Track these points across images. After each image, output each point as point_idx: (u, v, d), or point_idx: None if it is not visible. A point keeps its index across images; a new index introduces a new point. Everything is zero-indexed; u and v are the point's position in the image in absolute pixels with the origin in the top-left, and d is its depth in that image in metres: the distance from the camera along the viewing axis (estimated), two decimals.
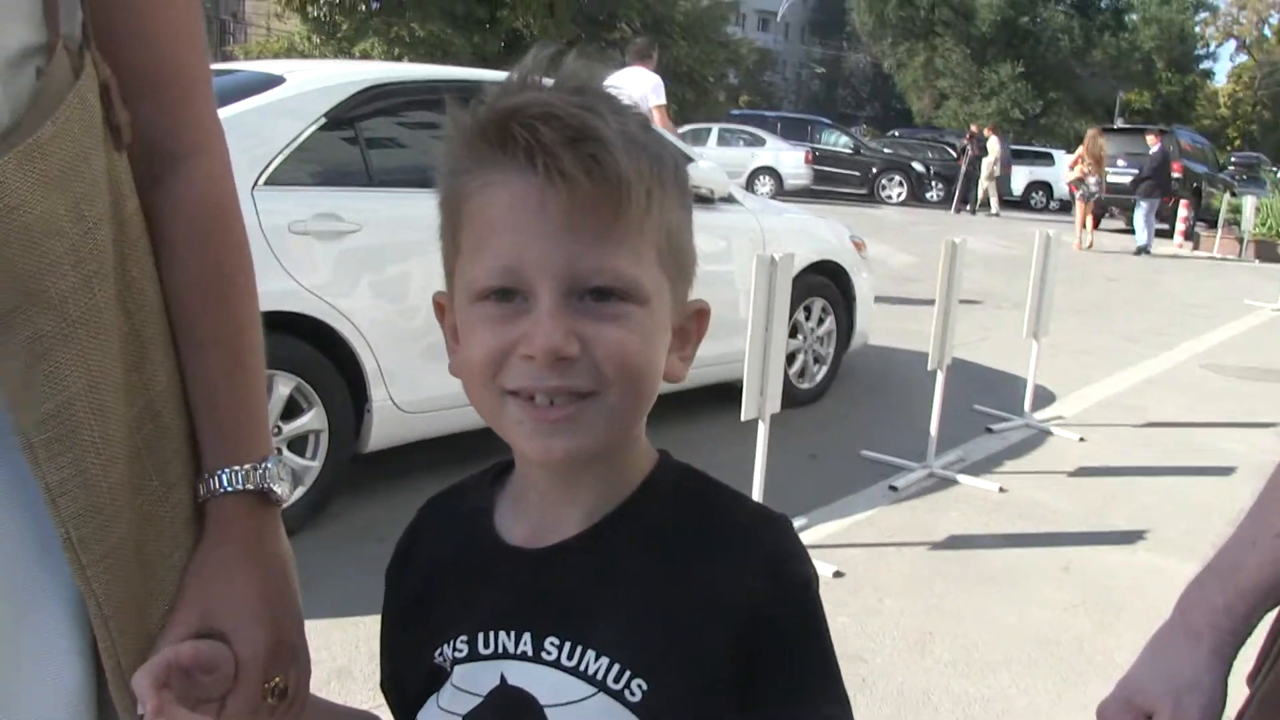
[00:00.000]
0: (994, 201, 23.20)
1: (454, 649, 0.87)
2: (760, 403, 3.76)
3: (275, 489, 0.95)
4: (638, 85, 8.38)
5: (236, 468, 0.94)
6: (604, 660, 0.82)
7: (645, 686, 0.81)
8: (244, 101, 3.86)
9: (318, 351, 3.83)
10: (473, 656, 0.86)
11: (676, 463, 0.91)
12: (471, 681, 0.86)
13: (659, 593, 0.83)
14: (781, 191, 23.92)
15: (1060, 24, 44.45)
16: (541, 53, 0.81)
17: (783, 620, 0.82)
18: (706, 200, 5.44)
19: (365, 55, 24.56)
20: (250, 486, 0.94)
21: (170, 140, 0.94)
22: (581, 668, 0.82)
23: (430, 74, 4.91)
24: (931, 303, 4.98)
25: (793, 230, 6.06)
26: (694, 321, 0.89)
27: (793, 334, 5.80)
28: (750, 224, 5.69)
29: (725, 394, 5.09)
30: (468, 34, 25.85)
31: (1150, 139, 18.57)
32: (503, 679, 0.85)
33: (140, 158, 0.92)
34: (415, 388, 4.03)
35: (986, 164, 23.03)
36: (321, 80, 4.20)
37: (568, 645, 0.83)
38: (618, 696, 0.81)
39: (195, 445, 0.95)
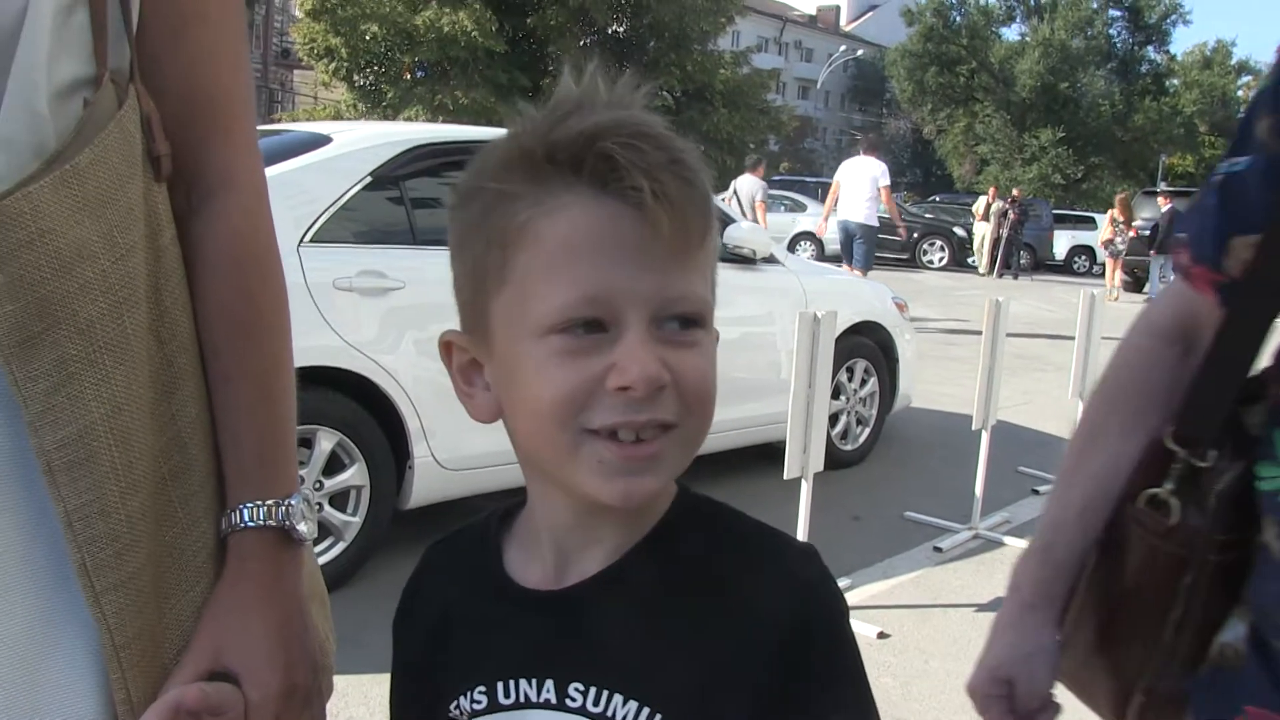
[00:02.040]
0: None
1: (471, 701, 0.83)
2: (804, 461, 3.72)
3: (298, 527, 0.94)
4: (866, 170, 11.35)
5: (259, 503, 0.93)
6: (632, 705, 0.78)
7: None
8: (291, 160, 3.91)
9: (361, 408, 3.84)
10: (492, 708, 0.83)
11: (698, 494, 0.87)
12: None
13: (686, 627, 0.79)
14: (822, 256, 23.93)
15: (1100, 89, 44.56)
16: (576, 76, 0.78)
17: (819, 644, 0.79)
18: (749, 261, 5.44)
19: (410, 122, 24.99)
20: (272, 523, 0.93)
21: (208, 173, 0.95)
22: (609, 714, 0.79)
23: (474, 135, 4.97)
24: (974, 365, 4.95)
25: (835, 291, 6.05)
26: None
27: (835, 395, 5.76)
28: (792, 284, 5.68)
29: (768, 454, 5.06)
30: (511, 102, 26.12)
31: (1161, 201, 19.70)
32: None
33: (179, 189, 0.94)
34: (457, 445, 4.03)
35: (990, 226, 23.12)
36: (367, 140, 4.26)
37: (593, 691, 0.79)
38: None
39: (221, 481, 0.94)
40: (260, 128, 1.04)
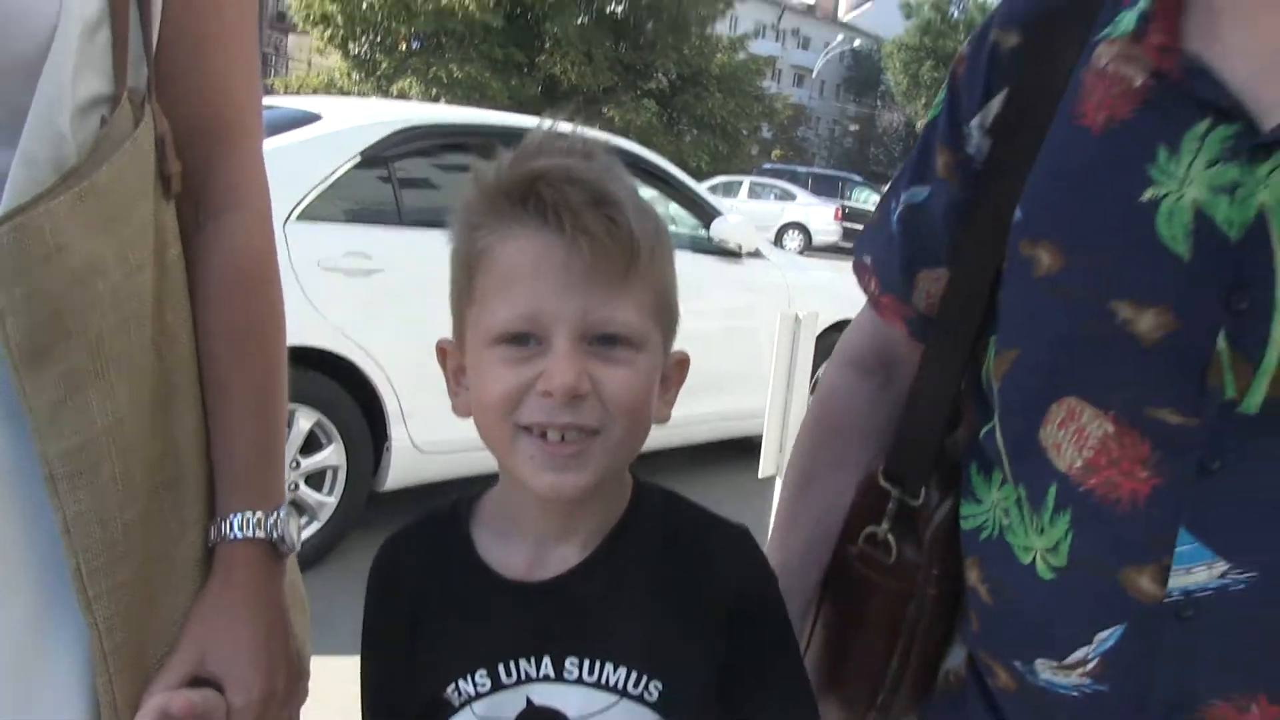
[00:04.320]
0: None
1: (474, 684, 0.92)
2: (779, 459, 3.74)
3: (285, 539, 0.98)
4: None
5: (249, 514, 0.95)
6: (622, 670, 0.91)
7: (662, 686, 0.90)
8: (280, 137, 3.90)
9: (341, 388, 3.85)
10: (496, 688, 0.92)
11: (653, 485, 0.99)
12: (496, 709, 0.92)
13: (663, 599, 0.92)
14: (810, 247, 23.97)
15: None
16: (549, 122, 0.91)
17: (768, 601, 0.97)
18: (733, 255, 5.45)
19: (403, 94, 24.84)
20: (261, 534, 0.96)
21: (216, 191, 0.98)
22: (603, 680, 0.91)
23: (465, 117, 4.96)
24: None
25: (819, 287, 6.06)
26: (676, 370, 0.97)
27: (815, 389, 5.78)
28: (776, 279, 5.70)
29: (746, 450, 5.08)
30: (505, 78, 26.12)
31: None
32: (529, 702, 0.92)
33: (185, 205, 0.96)
34: (435, 429, 4.03)
35: None
36: (357, 119, 4.25)
37: (587, 662, 0.91)
38: (638, 699, 0.90)
39: (211, 490, 0.96)
40: None
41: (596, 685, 0.91)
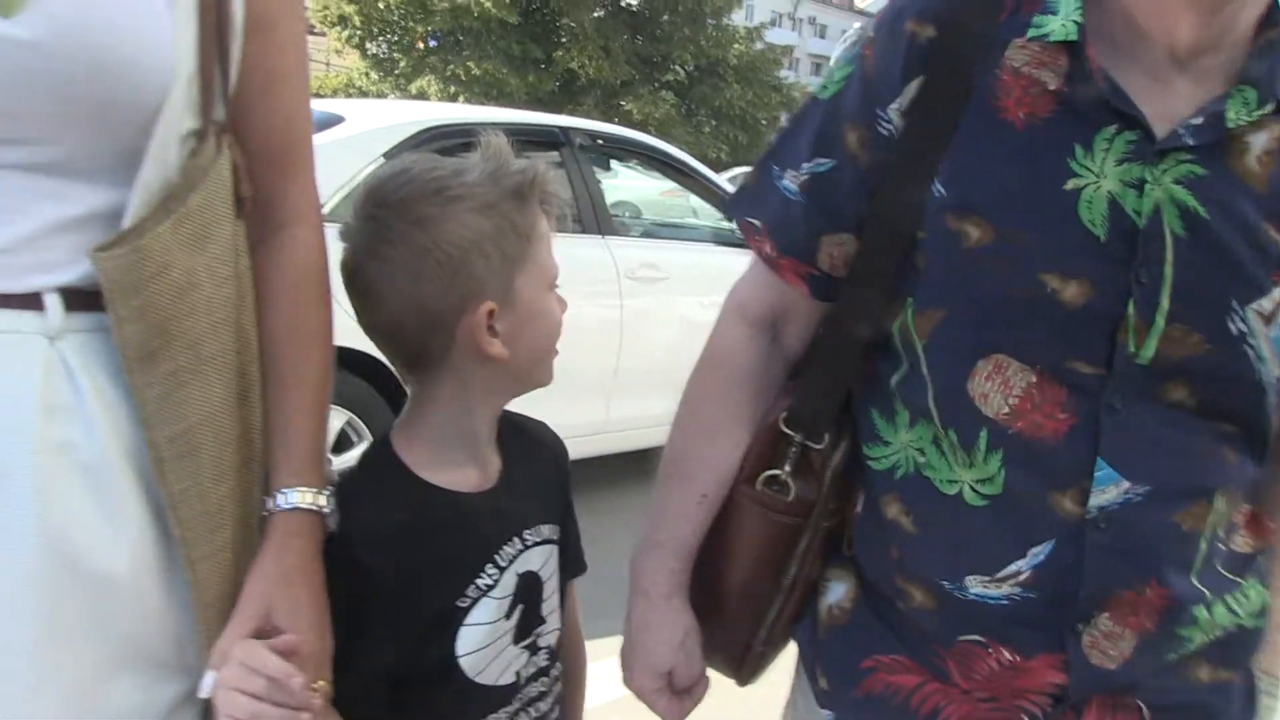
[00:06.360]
0: None
1: (486, 577, 1.17)
2: None
3: (332, 514, 1.11)
4: None
5: (305, 490, 1.08)
6: (543, 527, 1.25)
7: (558, 531, 1.28)
8: None
9: (371, 388, 3.89)
10: (500, 572, 1.19)
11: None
12: (504, 589, 1.19)
13: (538, 471, 1.30)
14: None
15: None
16: (499, 138, 1.20)
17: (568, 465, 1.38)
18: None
19: (421, 92, 24.90)
20: (314, 507, 1.09)
21: (279, 209, 1.13)
22: (545, 536, 1.25)
23: (484, 116, 5.01)
24: None
25: None
26: None
27: None
28: None
29: None
30: (523, 74, 26.14)
31: None
32: (516, 575, 1.21)
33: (252, 221, 1.11)
34: None
35: None
36: (380, 121, 4.30)
37: (535, 529, 1.24)
38: (554, 541, 1.27)
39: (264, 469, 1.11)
40: None
41: (542, 543, 1.24)
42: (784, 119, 39.97)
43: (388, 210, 1.13)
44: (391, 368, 1.18)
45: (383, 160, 4.05)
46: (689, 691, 1.26)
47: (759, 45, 31.07)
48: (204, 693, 0.99)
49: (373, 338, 1.19)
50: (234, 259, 1.05)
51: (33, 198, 0.95)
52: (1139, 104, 0.96)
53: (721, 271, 5.30)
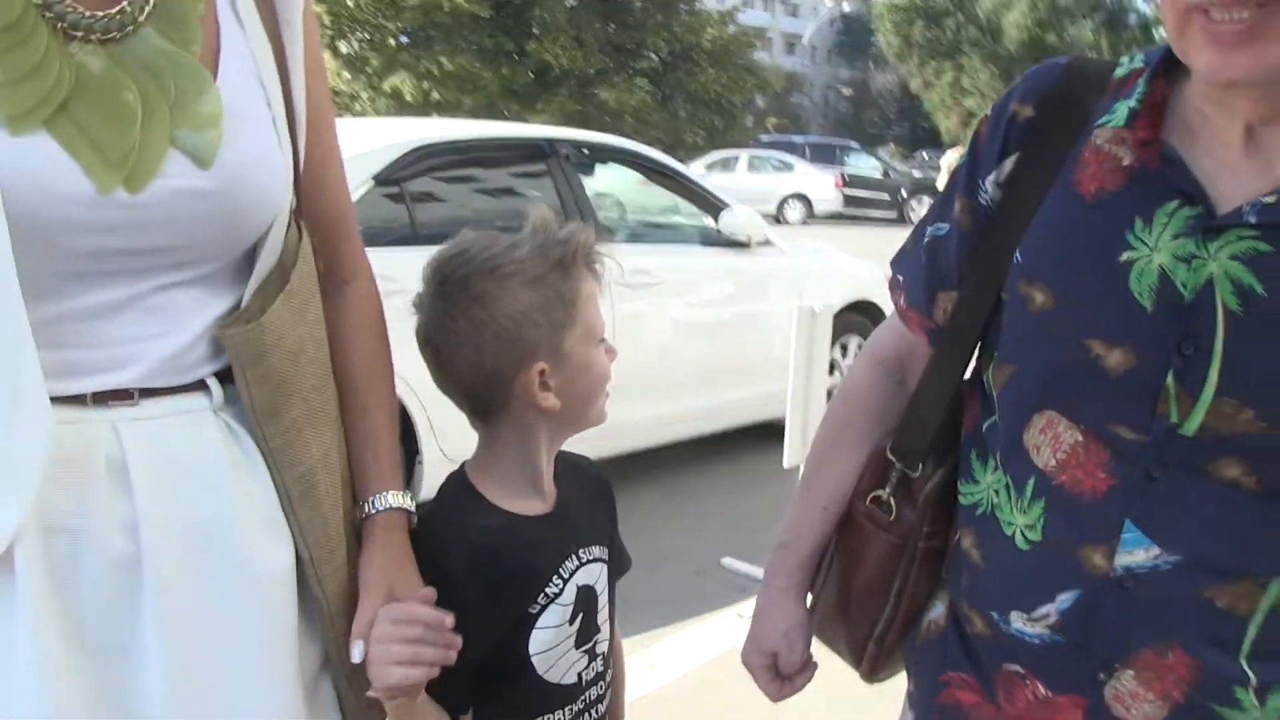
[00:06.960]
0: None
1: (553, 586, 1.35)
2: (803, 450, 3.83)
3: (415, 511, 1.31)
4: None
5: (395, 493, 1.29)
6: (594, 546, 1.43)
7: (606, 551, 1.45)
8: None
9: None
10: (564, 583, 1.36)
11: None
12: (564, 597, 1.36)
13: (589, 499, 1.48)
14: (811, 216, 23.99)
15: (1089, 41, 44.33)
16: (544, 218, 1.33)
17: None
18: (742, 244, 5.53)
19: (395, 90, 24.80)
20: (404, 505, 1.29)
21: (341, 268, 1.32)
22: (596, 555, 1.42)
23: (473, 132, 5.03)
24: None
25: (828, 271, 6.15)
26: None
27: (830, 371, 5.86)
28: (786, 267, 5.80)
29: (768, 435, 5.17)
30: (496, 67, 26.07)
31: None
32: (576, 587, 1.38)
33: (321, 283, 1.28)
34: (464, 442, 4.10)
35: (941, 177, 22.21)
36: (368, 144, 4.30)
37: (588, 548, 1.41)
38: (604, 560, 1.44)
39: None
40: None
41: (594, 560, 1.42)
42: (758, 99, 39.63)
43: (451, 288, 1.30)
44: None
45: (372, 183, 4.09)
46: (791, 678, 1.40)
47: (732, 28, 31.01)
48: (356, 658, 1.20)
49: (445, 392, 1.38)
50: (324, 324, 1.25)
51: (194, 305, 1.14)
52: (1209, 182, 1.00)
53: (708, 270, 5.42)
